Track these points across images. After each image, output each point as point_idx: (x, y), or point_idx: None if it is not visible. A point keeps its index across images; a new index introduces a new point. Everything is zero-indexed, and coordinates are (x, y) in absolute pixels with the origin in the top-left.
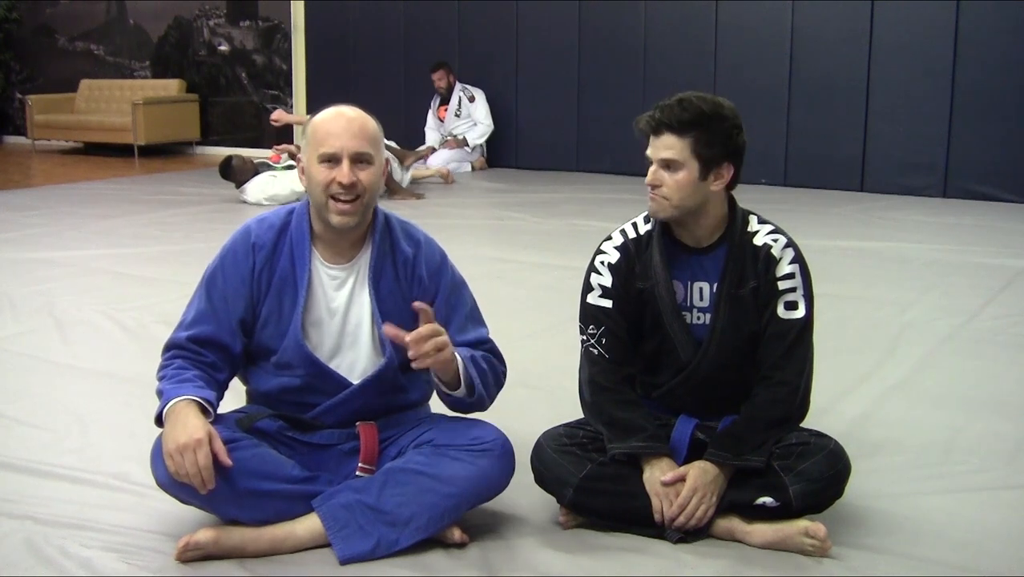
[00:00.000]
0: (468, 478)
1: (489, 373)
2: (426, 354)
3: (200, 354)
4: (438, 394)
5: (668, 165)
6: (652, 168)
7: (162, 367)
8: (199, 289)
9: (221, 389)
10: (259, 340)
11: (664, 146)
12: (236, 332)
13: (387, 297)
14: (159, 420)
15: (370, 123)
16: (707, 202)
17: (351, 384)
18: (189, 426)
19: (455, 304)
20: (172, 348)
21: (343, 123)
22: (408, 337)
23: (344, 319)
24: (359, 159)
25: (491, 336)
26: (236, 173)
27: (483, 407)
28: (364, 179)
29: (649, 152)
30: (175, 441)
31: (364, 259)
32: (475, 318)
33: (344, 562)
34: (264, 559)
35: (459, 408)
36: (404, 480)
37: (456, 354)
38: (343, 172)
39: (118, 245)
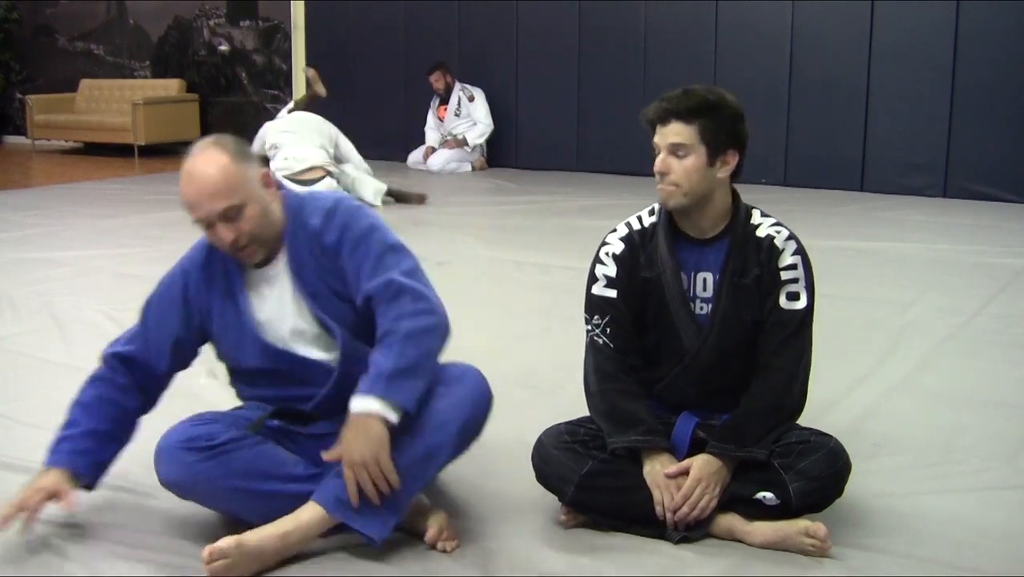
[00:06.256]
0: (449, 408)
1: (413, 354)
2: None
3: (120, 375)
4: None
5: (677, 150)
6: (660, 156)
7: (87, 382)
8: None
9: (125, 425)
10: (226, 353)
11: (672, 132)
12: (166, 353)
13: (313, 281)
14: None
15: (224, 171)
16: (714, 191)
17: (332, 366)
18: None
19: (360, 257)
20: (101, 362)
21: (194, 188)
22: None
23: (285, 315)
24: (226, 216)
25: (410, 268)
26: None
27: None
28: (244, 227)
29: (657, 140)
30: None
31: (285, 255)
32: (384, 263)
33: (382, 541)
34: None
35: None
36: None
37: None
38: (219, 236)
39: (118, 245)
